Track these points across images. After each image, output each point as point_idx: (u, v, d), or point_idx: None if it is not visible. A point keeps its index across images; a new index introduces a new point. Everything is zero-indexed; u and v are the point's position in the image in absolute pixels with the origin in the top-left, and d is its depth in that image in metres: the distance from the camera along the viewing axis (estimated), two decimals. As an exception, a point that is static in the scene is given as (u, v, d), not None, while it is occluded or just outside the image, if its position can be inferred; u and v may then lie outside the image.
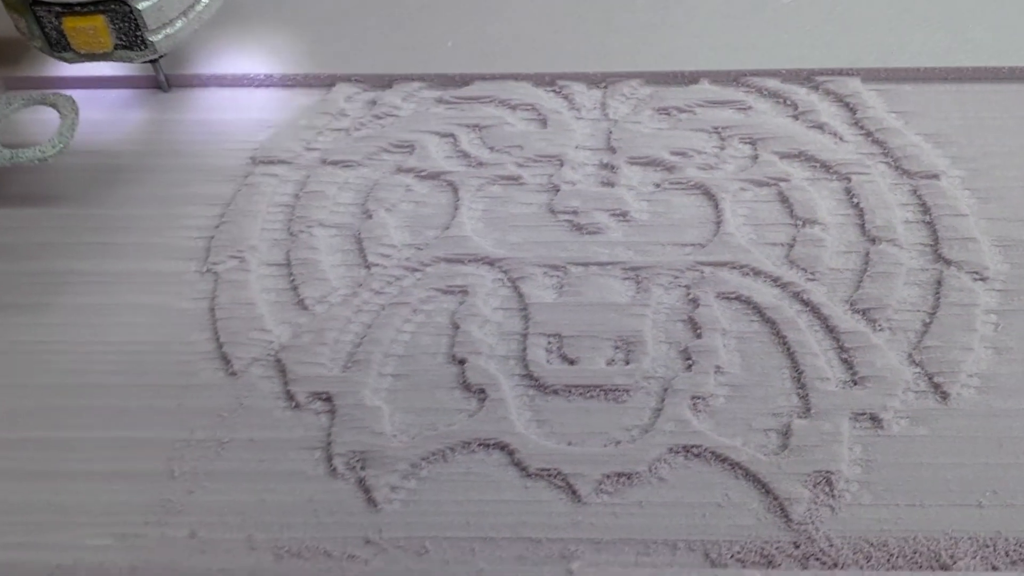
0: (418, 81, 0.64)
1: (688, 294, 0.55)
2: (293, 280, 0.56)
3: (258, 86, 0.64)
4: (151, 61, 0.59)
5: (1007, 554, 0.47)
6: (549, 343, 0.54)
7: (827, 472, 0.49)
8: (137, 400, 0.53)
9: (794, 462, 0.49)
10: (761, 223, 0.57)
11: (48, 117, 0.61)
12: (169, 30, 0.57)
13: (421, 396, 0.52)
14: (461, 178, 0.60)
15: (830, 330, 0.53)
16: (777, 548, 0.48)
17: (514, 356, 0.54)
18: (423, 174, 0.60)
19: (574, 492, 0.49)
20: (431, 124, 0.62)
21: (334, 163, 0.60)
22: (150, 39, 0.56)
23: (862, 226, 0.57)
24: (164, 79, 0.62)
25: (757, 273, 0.55)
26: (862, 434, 0.50)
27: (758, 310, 0.54)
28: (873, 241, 0.56)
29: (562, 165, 0.60)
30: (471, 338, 0.54)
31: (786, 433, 0.50)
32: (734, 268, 0.56)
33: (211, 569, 0.48)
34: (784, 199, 0.58)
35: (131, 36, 0.55)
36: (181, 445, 0.52)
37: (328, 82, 0.64)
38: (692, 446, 0.50)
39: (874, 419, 0.51)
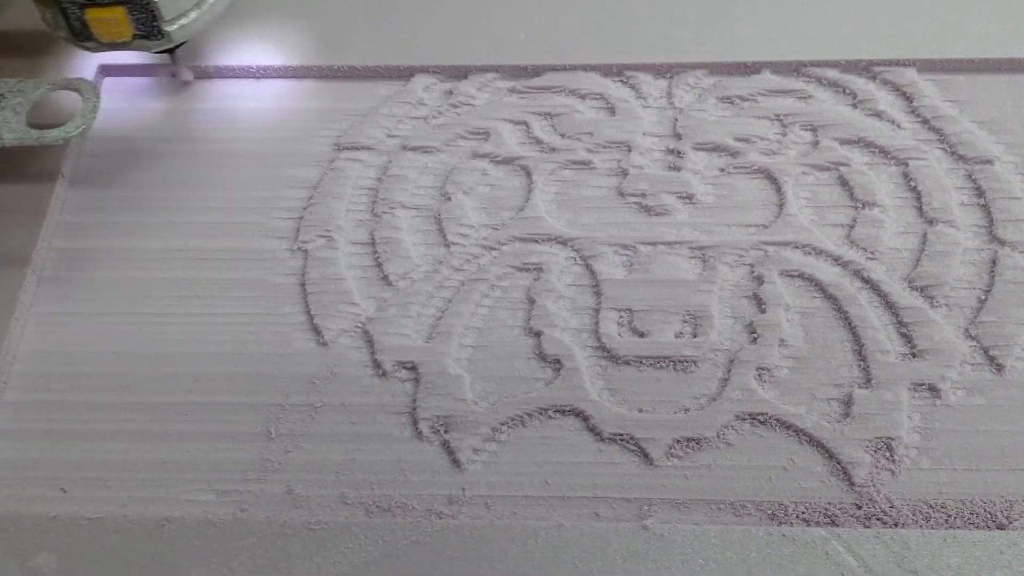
0: (492, 72, 0.67)
1: (752, 272, 0.58)
2: (378, 257, 0.60)
3: (341, 78, 0.67)
4: (168, 51, 0.64)
5: (1061, 517, 0.50)
6: (620, 317, 0.57)
7: (888, 438, 0.52)
8: (238, 367, 0.57)
9: (856, 429, 0.52)
10: (822, 205, 0.60)
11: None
12: (184, 21, 0.60)
13: (500, 365, 0.56)
14: (534, 163, 0.63)
15: (889, 306, 0.56)
16: (840, 509, 0.50)
17: (587, 329, 0.57)
18: (498, 159, 0.63)
19: (646, 455, 0.53)
20: (505, 112, 0.65)
21: (414, 149, 0.64)
22: (166, 29, 0.60)
23: (919, 208, 0.59)
24: (179, 70, 0.66)
25: (819, 252, 0.58)
26: (921, 403, 0.53)
27: (820, 287, 0.57)
28: (930, 222, 0.59)
29: (630, 151, 0.63)
30: (546, 312, 0.57)
31: (848, 402, 0.53)
32: (797, 247, 0.58)
33: (308, 522, 0.51)
34: (844, 183, 0.61)
35: (148, 26, 0.59)
36: (277, 409, 0.55)
37: (407, 73, 0.67)
38: (758, 413, 0.53)
39: (932, 389, 0.53)
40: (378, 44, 0.68)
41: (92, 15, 0.58)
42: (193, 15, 0.60)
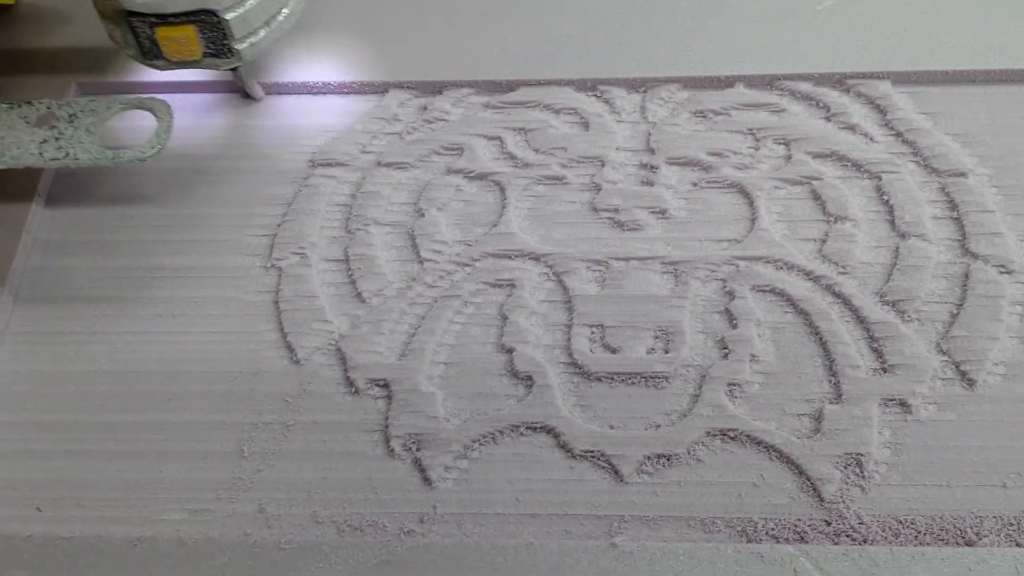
0: (466, 87, 0.67)
1: (724, 287, 0.58)
2: (351, 274, 0.60)
3: (316, 93, 0.67)
4: (233, 68, 0.63)
5: (1030, 532, 0.50)
6: (592, 333, 0.57)
7: (857, 454, 0.52)
8: (212, 386, 0.57)
9: (826, 445, 0.52)
10: (795, 220, 0.60)
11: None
12: (253, 39, 0.60)
13: (472, 382, 0.56)
14: (508, 178, 0.63)
15: (861, 321, 0.56)
16: (810, 525, 0.50)
17: (559, 345, 0.57)
18: (472, 175, 0.63)
19: (616, 472, 0.53)
20: (479, 128, 0.65)
21: (388, 165, 0.64)
22: (236, 47, 0.59)
23: (892, 222, 0.59)
24: (245, 86, 0.66)
25: (791, 267, 0.58)
26: (891, 419, 0.53)
27: (791, 302, 0.57)
28: (903, 236, 0.59)
29: (603, 165, 0.63)
30: (519, 328, 0.57)
31: (818, 418, 0.53)
32: (768, 262, 0.58)
33: (279, 541, 0.51)
34: (817, 197, 0.61)
35: (218, 45, 0.59)
36: (250, 427, 0.55)
37: (382, 89, 0.67)
38: (728, 430, 0.53)
39: (903, 404, 0.53)
40: (353, 60, 0.68)
41: (163, 34, 0.58)
42: (262, 33, 0.60)
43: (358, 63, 0.68)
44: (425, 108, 0.67)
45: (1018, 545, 0.49)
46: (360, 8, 0.71)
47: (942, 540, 0.50)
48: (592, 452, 0.53)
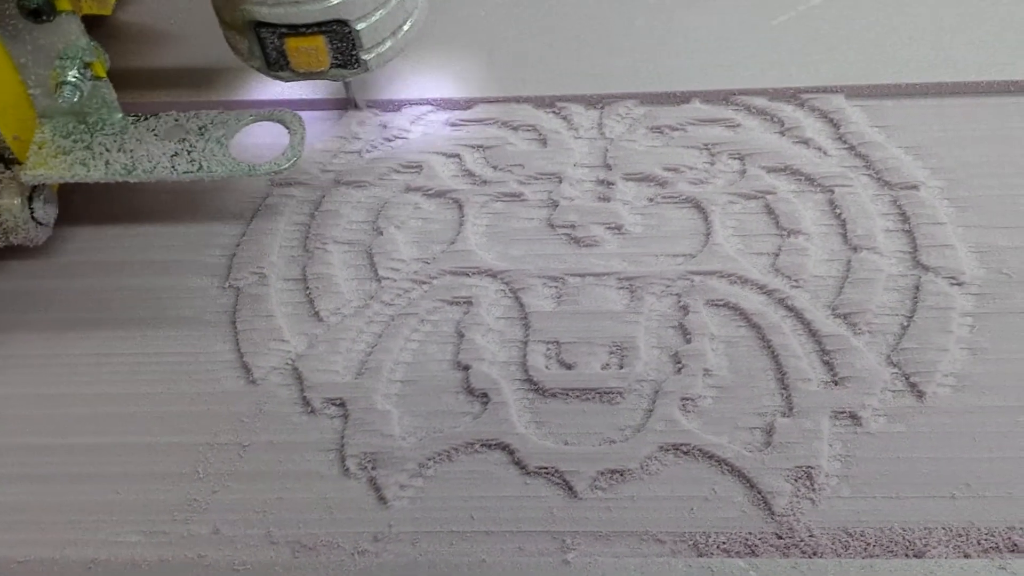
0: (425, 105, 0.67)
1: (679, 302, 0.58)
2: (309, 293, 0.60)
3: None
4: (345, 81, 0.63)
5: (979, 543, 0.50)
6: (548, 349, 0.57)
7: (808, 467, 0.52)
8: (169, 407, 0.57)
9: (777, 458, 0.53)
10: (748, 234, 0.61)
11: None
12: (380, 49, 0.59)
13: (428, 400, 0.56)
14: (466, 196, 0.63)
15: (812, 334, 0.56)
16: (760, 539, 0.51)
17: (515, 362, 0.57)
18: (431, 192, 0.64)
19: (570, 488, 0.53)
20: (438, 145, 0.66)
21: (347, 183, 0.64)
22: (363, 57, 0.58)
23: (844, 235, 0.60)
24: (354, 97, 0.66)
25: (744, 281, 0.59)
26: (842, 431, 0.53)
27: (745, 316, 0.57)
28: (855, 249, 0.59)
29: (561, 182, 0.63)
30: (475, 345, 0.57)
31: (770, 431, 0.54)
32: (722, 277, 0.59)
33: (232, 563, 0.51)
34: (770, 211, 0.61)
35: (347, 55, 0.57)
36: (206, 448, 0.56)
37: (341, 106, 0.67)
38: (681, 444, 0.54)
39: (853, 417, 0.54)
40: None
41: (292, 44, 0.57)
42: (389, 43, 0.59)
43: (318, 82, 0.68)
44: (385, 126, 0.67)
45: (966, 556, 0.50)
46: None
47: (891, 552, 0.50)
48: (546, 468, 0.53)
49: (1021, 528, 0.50)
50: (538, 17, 0.70)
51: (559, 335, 0.58)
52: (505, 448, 0.54)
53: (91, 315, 0.61)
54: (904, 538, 0.50)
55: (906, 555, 0.50)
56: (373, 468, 0.54)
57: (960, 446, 0.53)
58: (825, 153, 0.63)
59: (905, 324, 0.56)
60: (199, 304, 0.61)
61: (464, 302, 0.59)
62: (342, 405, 0.56)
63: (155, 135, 0.59)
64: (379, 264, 0.61)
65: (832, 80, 0.66)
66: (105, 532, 0.53)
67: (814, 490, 0.52)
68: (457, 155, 0.65)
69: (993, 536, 0.50)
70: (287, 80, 0.59)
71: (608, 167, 0.64)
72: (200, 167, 0.58)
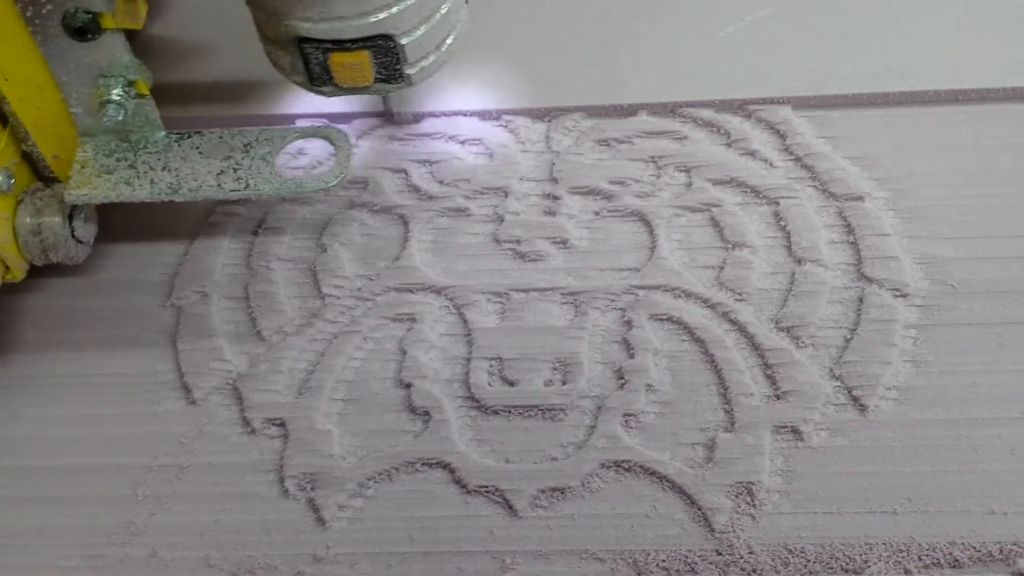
0: (372, 119, 0.67)
1: (623, 316, 0.58)
2: (251, 312, 0.60)
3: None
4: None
5: (920, 558, 0.50)
6: (491, 366, 0.57)
7: (748, 483, 0.52)
8: (111, 429, 0.57)
9: (718, 474, 0.52)
10: (694, 247, 0.60)
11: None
12: (424, 63, 0.58)
13: (369, 419, 0.56)
14: (412, 211, 0.63)
15: (755, 348, 0.56)
16: (700, 556, 0.50)
17: (458, 379, 0.57)
18: (376, 208, 0.63)
19: (511, 507, 0.52)
20: (384, 161, 0.65)
21: (292, 200, 0.64)
22: (407, 72, 0.57)
23: (789, 248, 0.60)
24: (392, 111, 0.65)
25: (688, 295, 0.58)
26: (783, 446, 0.53)
27: (688, 330, 0.57)
28: (799, 262, 0.59)
29: (507, 196, 0.63)
30: (417, 363, 0.57)
31: (711, 447, 0.53)
32: (667, 291, 0.58)
33: (170, 586, 0.51)
34: (716, 224, 0.61)
35: (391, 70, 0.56)
36: (144, 470, 0.55)
37: (289, 121, 0.67)
38: (623, 461, 0.53)
39: (795, 431, 0.53)
40: (260, 94, 0.68)
41: (337, 59, 0.55)
42: (432, 57, 0.58)
43: (264, 98, 0.68)
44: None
45: (907, 572, 0.49)
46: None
47: (831, 569, 0.50)
48: (487, 487, 0.53)
49: (963, 543, 0.50)
50: (484, 31, 0.69)
51: (502, 351, 0.57)
52: (446, 467, 0.54)
53: (31, 335, 0.60)
54: (844, 554, 0.50)
55: (845, 571, 0.49)
56: (312, 489, 0.53)
57: (902, 460, 0.52)
58: (771, 165, 0.63)
59: (848, 337, 0.56)
60: (141, 323, 0.60)
61: (408, 319, 0.59)
62: (282, 425, 0.56)
63: (200, 153, 0.58)
64: (323, 282, 0.60)
65: (779, 91, 0.65)
66: (43, 556, 0.53)
67: (755, 506, 0.51)
68: (403, 170, 0.65)
69: (935, 551, 0.50)
70: (329, 95, 0.58)
71: (554, 181, 0.63)
72: (247, 185, 0.57)
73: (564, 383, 0.56)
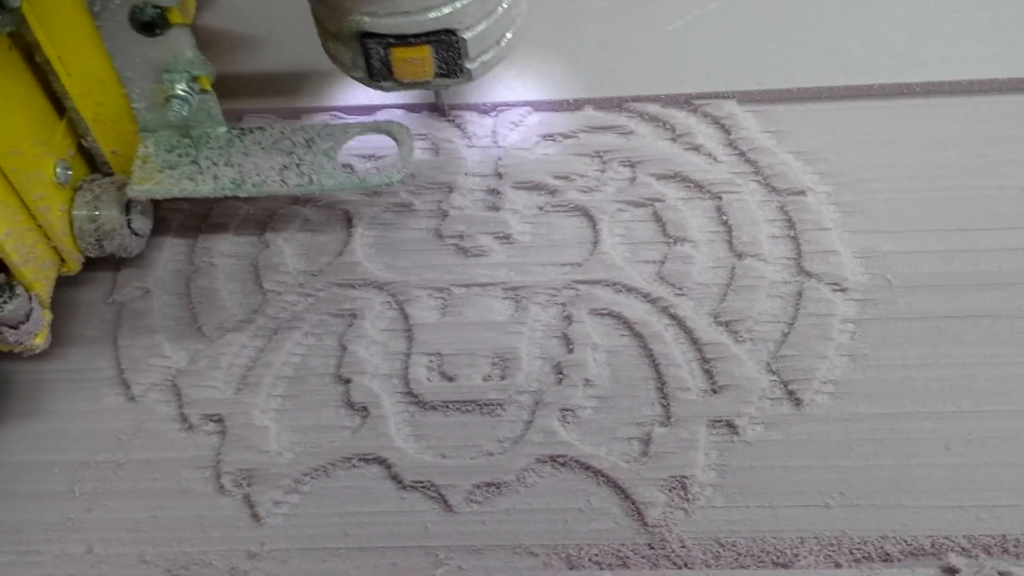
0: (323, 112, 0.67)
1: (564, 311, 0.58)
2: (193, 308, 0.60)
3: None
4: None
5: (851, 552, 0.50)
6: (430, 362, 0.57)
7: (682, 477, 0.52)
8: (50, 425, 0.57)
9: (652, 468, 0.52)
10: (636, 242, 0.60)
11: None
12: (484, 57, 0.57)
13: (307, 415, 0.56)
14: (356, 207, 0.63)
15: (694, 342, 0.56)
16: (632, 550, 0.50)
17: (397, 375, 0.57)
18: (320, 204, 0.63)
19: (445, 502, 0.52)
20: (331, 156, 0.65)
21: (235, 196, 0.63)
22: (468, 67, 0.57)
23: (730, 242, 0.60)
24: (444, 105, 0.65)
25: (629, 290, 0.58)
26: (718, 440, 0.53)
27: (628, 325, 0.57)
28: (739, 256, 0.59)
29: (451, 191, 0.63)
30: (357, 359, 0.57)
31: (647, 441, 0.53)
32: (607, 285, 0.58)
33: (104, 583, 0.51)
34: (658, 218, 0.61)
35: (451, 65, 0.56)
36: (83, 467, 0.55)
37: (236, 116, 0.67)
38: (559, 455, 0.53)
39: (730, 426, 0.53)
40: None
41: (399, 55, 0.55)
42: (492, 52, 0.58)
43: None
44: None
45: (837, 565, 0.49)
46: (225, 35, 0.71)
47: (762, 562, 0.50)
48: (422, 483, 0.53)
49: (894, 537, 0.50)
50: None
51: (442, 347, 0.57)
52: (382, 462, 0.54)
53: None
54: (775, 548, 0.50)
55: (776, 565, 0.50)
56: (248, 485, 0.53)
57: (836, 454, 0.53)
58: (715, 159, 0.63)
59: (786, 331, 0.56)
60: (83, 320, 0.60)
61: (349, 314, 0.59)
62: (220, 421, 0.56)
63: (261, 148, 0.58)
64: (265, 277, 0.60)
65: (725, 85, 0.65)
66: (-23, 553, 0.53)
67: (688, 500, 0.52)
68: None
69: (866, 545, 0.50)
70: (388, 90, 0.58)
71: (499, 176, 0.63)
72: (311, 181, 0.57)
73: (503, 378, 0.56)
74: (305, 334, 0.58)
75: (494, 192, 0.63)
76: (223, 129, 0.58)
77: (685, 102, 0.65)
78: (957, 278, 0.57)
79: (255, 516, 0.53)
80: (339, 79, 0.65)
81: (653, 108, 0.65)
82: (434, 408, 0.55)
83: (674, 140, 0.64)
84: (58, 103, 0.55)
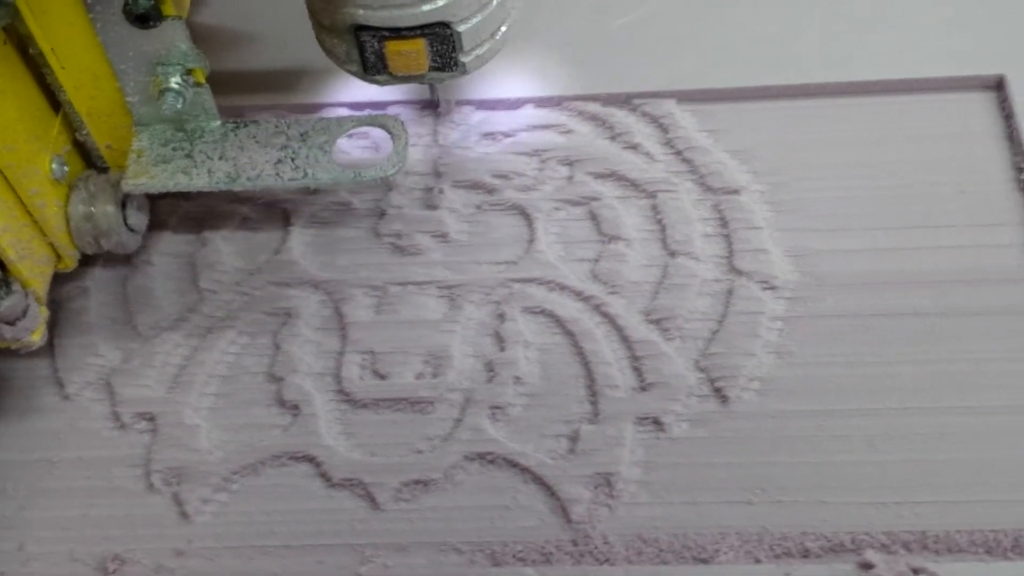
0: (265, 111, 0.67)
1: (497, 309, 0.58)
2: (130, 307, 0.60)
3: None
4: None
5: (771, 547, 0.50)
6: (363, 360, 0.57)
7: (607, 474, 0.52)
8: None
9: (578, 465, 0.53)
10: (571, 240, 0.61)
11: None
12: (479, 51, 0.57)
13: (239, 413, 0.56)
14: (294, 205, 0.63)
15: (624, 340, 0.56)
16: (556, 546, 0.51)
17: (330, 373, 0.57)
18: (259, 202, 0.63)
19: (373, 500, 0.53)
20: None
21: (175, 193, 0.64)
22: (462, 60, 0.57)
23: (664, 241, 0.60)
24: (439, 100, 0.65)
25: (562, 288, 0.59)
26: (645, 437, 0.54)
27: (560, 323, 0.58)
28: (672, 255, 0.59)
29: (390, 190, 0.63)
30: (290, 357, 0.57)
31: (575, 438, 0.54)
32: (541, 284, 0.59)
33: (35, 580, 0.51)
34: (594, 217, 0.61)
35: (446, 58, 0.56)
36: (17, 465, 0.55)
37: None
38: (487, 453, 0.54)
39: (657, 423, 0.54)
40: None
41: (393, 48, 0.55)
42: (487, 45, 0.57)
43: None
44: (220, 135, 0.66)
45: (757, 561, 0.50)
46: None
47: (683, 558, 0.50)
48: (351, 480, 0.53)
49: (815, 533, 0.51)
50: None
51: (375, 345, 0.57)
52: (312, 460, 0.54)
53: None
54: (697, 543, 0.51)
55: (696, 561, 0.50)
56: (177, 483, 0.54)
57: (760, 451, 0.53)
58: (652, 158, 0.63)
59: (715, 329, 0.57)
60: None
61: (284, 313, 0.59)
62: (152, 419, 0.56)
63: (256, 142, 0.58)
64: (201, 276, 0.61)
65: (665, 84, 0.66)
66: (-91, 552, 0.53)
67: (612, 496, 0.52)
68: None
69: (786, 541, 0.50)
70: (382, 84, 0.58)
71: (438, 175, 0.64)
72: (305, 174, 0.56)
73: (434, 376, 0.56)
74: (239, 333, 0.59)
75: (433, 191, 0.63)
76: (217, 123, 0.58)
77: (625, 101, 0.66)
78: (885, 276, 0.58)
79: (183, 514, 0.53)
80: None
81: (593, 107, 0.65)
82: (365, 406, 0.56)
83: (612, 139, 0.64)
84: (54, 99, 0.55)
